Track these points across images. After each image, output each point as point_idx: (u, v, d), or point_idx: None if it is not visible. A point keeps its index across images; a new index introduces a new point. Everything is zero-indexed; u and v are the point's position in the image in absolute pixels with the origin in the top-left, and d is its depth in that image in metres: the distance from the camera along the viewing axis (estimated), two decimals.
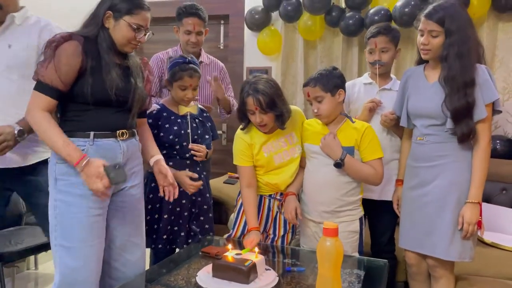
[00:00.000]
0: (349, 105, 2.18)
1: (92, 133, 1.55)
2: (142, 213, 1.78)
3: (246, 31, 3.42)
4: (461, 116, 1.66)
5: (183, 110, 2.01)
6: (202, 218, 2.07)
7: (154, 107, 1.98)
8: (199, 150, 1.99)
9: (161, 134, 1.96)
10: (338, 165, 1.77)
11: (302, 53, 3.23)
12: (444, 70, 1.71)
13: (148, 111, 1.89)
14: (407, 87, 1.89)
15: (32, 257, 2.93)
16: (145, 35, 1.61)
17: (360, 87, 2.18)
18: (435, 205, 1.74)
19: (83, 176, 1.46)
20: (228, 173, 3.19)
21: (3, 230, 2.38)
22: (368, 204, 1.99)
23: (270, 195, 1.93)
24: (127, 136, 1.64)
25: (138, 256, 1.72)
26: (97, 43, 1.55)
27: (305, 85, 1.83)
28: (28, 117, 1.50)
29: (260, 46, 3.31)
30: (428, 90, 1.78)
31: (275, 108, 1.75)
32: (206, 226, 2.07)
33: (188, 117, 2.01)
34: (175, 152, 1.98)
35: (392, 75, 2.17)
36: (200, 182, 1.94)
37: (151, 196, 1.99)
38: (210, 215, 2.11)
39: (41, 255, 2.82)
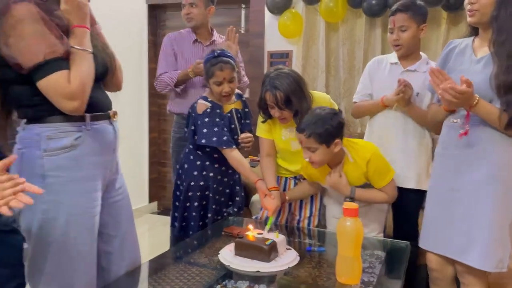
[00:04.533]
0: (372, 82, 2.08)
1: (88, 115, 1.27)
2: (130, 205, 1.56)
3: (267, 14, 3.40)
4: (510, 93, 1.40)
5: (228, 108, 2.01)
6: (232, 205, 2.13)
7: (206, 104, 1.96)
8: (248, 140, 2.03)
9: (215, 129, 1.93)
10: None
11: (323, 36, 3.19)
12: (493, 34, 1.45)
13: (201, 111, 1.91)
14: (448, 60, 1.65)
15: None
16: None
17: (386, 65, 2.08)
18: (468, 202, 1.54)
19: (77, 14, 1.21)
20: (250, 156, 3.22)
21: None
22: None
23: (295, 177, 1.97)
24: (117, 116, 1.41)
25: (136, 250, 1.56)
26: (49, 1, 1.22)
27: (298, 130, 1.66)
28: (73, 102, 1.19)
29: (281, 29, 3.29)
30: (474, 65, 1.54)
31: (291, 106, 1.74)
32: (235, 209, 2.14)
33: (234, 112, 2.03)
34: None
35: (422, 54, 2.06)
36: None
37: (191, 183, 2.02)
38: (240, 205, 2.17)
39: None
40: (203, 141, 1.91)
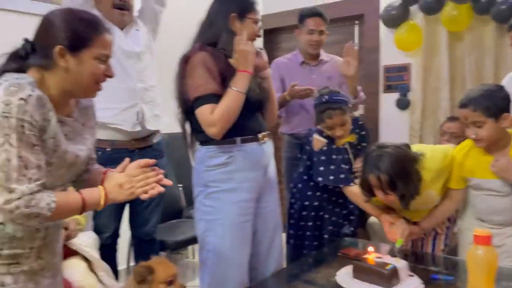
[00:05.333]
0: None
1: (239, 138, 1.56)
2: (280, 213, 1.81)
3: (382, 28, 3.32)
4: None
5: (340, 142, 1.98)
6: (348, 224, 2.11)
7: (322, 141, 1.97)
8: None
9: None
10: None
11: (446, 46, 2.99)
12: None
13: (318, 148, 1.95)
14: None
15: (190, 248, 3.31)
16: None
17: None
18: None
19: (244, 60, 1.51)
20: None
21: (167, 222, 2.74)
22: None
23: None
24: (267, 138, 1.66)
25: (279, 257, 1.77)
26: (220, 48, 1.56)
27: (461, 106, 1.60)
28: (212, 129, 1.50)
29: (398, 43, 3.17)
30: None
31: (396, 190, 1.57)
32: (351, 229, 2.10)
33: (348, 146, 1.99)
34: None
35: None
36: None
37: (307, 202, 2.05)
38: (356, 225, 2.14)
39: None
40: (320, 179, 1.93)
